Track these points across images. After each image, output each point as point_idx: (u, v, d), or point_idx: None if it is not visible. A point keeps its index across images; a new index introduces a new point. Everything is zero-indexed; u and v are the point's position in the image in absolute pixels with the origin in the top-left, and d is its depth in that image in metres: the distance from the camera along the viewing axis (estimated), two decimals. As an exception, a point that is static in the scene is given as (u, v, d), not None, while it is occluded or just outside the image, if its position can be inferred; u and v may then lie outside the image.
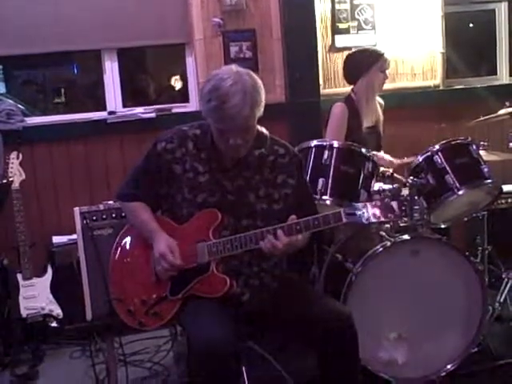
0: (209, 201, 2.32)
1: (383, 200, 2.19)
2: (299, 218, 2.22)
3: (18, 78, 4.70)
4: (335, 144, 3.00)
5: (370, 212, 2.17)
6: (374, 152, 3.37)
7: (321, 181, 2.93)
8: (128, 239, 2.50)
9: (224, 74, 2.19)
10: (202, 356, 2.08)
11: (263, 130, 2.40)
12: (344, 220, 2.18)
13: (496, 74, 4.84)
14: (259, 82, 2.22)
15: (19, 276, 3.52)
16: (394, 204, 2.17)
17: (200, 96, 2.26)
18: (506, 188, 3.31)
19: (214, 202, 2.32)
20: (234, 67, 2.24)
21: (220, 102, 2.14)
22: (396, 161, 3.46)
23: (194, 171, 2.34)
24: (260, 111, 2.21)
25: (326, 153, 2.97)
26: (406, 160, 3.42)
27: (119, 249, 2.50)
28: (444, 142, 3.09)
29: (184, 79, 4.45)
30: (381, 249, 2.83)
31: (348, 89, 3.63)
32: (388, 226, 3.06)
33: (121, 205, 2.58)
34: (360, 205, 2.20)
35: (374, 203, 2.18)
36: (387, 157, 3.48)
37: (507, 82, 4.80)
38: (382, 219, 2.19)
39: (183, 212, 2.35)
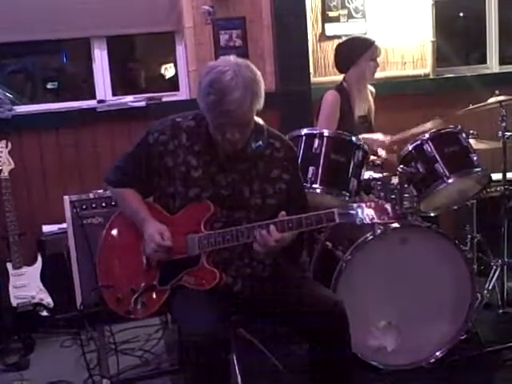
0: (202, 196, 2.29)
1: (378, 201, 2.19)
2: (290, 213, 2.20)
3: (6, 66, 4.66)
4: (325, 132, 3.00)
5: (364, 213, 2.16)
6: (366, 135, 3.38)
7: (311, 169, 2.94)
8: (117, 227, 2.48)
9: (223, 66, 2.12)
10: (191, 345, 2.08)
11: (260, 120, 2.35)
12: (337, 220, 2.17)
13: (486, 62, 4.84)
14: (259, 73, 2.17)
15: (9, 265, 3.51)
16: (388, 206, 2.17)
17: (198, 89, 2.18)
18: (495, 176, 3.32)
19: (206, 197, 2.29)
20: (232, 58, 2.17)
21: (220, 96, 2.08)
22: (388, 139, 3.47)
23: (187, 165, 2.30)
24: (260, 104, 2.17)
25: (317, 141, 2.97)
26: (395, 137, 3.44)
27: (108, 236, 2.48)
28: (434, 130, 3.10)
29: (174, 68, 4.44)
30: (371, 237, 2.84)
31: (338, 77, 3.63)
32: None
33: (110, 190, 2.54)
34: (354, 205, 2.18)
35: (368, 204, 2.17)
36: (378, 136, 3.48)
37: (497, 70, 4.80)
38: (376, 221, 2.18)
39: (175, 204, 2.33)
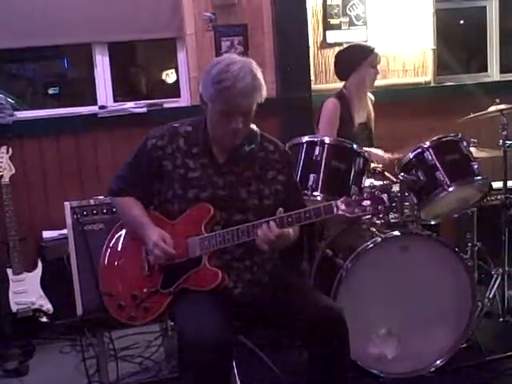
0: (200, 196, 2.32)
1: (374, 192, 2.18)
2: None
3: (7, 71, 4.68)
4: (326, 140, 3.00)
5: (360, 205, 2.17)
6: (367, 148, 3.38)
7: (312, 177, 2.94)
8: (120, 235, 2.50)
9: (231, 59, 2.25)
10: (192, 349, 2.08)
11: (254, 126, 2.41)
12: (335, 212, 2.17)
13: (487, 70, 4.85)
14: (260, 69, 2.29)
15: (9, 271, 3.51)
16: (385, 196, 2.17)
17: (207, 78, 2.25)
18: (496, 185, 3.32)
19: (205, 198, 2.32)
20: (235, 55, 2.32)
21: (230, 83, 2.18)
22: (388, 156, 3.47)
23: (185, 167, 2.35)
24: (262, 98, 2.26)
25: (318, 149, 2.98)
26: (396, 155, 3.44)
27: (111, 244, 2.50)
28: (435, 138, 3.10)
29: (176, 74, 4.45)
30: (371, 245, 2.84)
31: (339, 84, 3.63)
32: (379, 222, 3.08)
33: (111, 200, 2.57)
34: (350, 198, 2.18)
35: (364, 196, 2.18)
36: (379, 152, 3.49)
37: (498, 79, 4.81)
38: (372, 211, 2.18)
39: (175, 208, 2.36)
